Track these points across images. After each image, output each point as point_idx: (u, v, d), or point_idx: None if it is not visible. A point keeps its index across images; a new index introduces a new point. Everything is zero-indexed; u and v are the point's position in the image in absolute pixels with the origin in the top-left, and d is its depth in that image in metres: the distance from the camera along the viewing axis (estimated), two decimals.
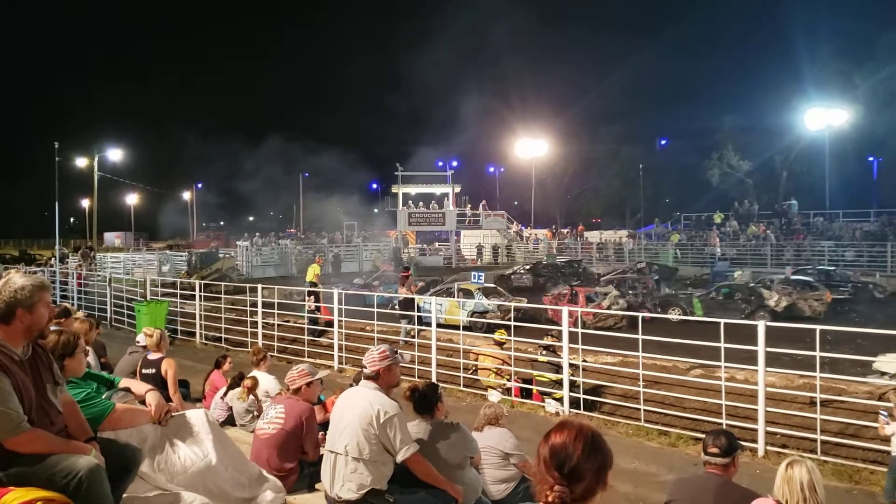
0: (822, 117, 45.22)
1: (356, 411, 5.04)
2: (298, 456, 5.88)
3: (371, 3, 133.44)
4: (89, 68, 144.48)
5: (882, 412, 8.50)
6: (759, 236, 38.28)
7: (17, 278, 3.55)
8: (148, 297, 20.12)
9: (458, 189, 47.76)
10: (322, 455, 5.48)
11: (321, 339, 16.99)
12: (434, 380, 13.05)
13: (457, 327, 16.07)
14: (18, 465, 3.32)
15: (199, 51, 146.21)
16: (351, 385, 6.76)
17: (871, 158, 53.88)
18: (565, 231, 52.66)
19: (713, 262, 34.22)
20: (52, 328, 4.32)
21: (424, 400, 5.54)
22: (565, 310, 12.14)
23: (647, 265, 30.99)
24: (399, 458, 4.99)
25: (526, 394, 12.69)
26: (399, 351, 5.70)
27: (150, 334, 9.21)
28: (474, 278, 22.82)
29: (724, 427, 8.90)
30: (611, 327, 18.17)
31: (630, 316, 18.57)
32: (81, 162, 50.06)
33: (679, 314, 20.54)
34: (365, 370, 5.32)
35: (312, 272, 19.48)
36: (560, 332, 11.95)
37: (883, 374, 11.70)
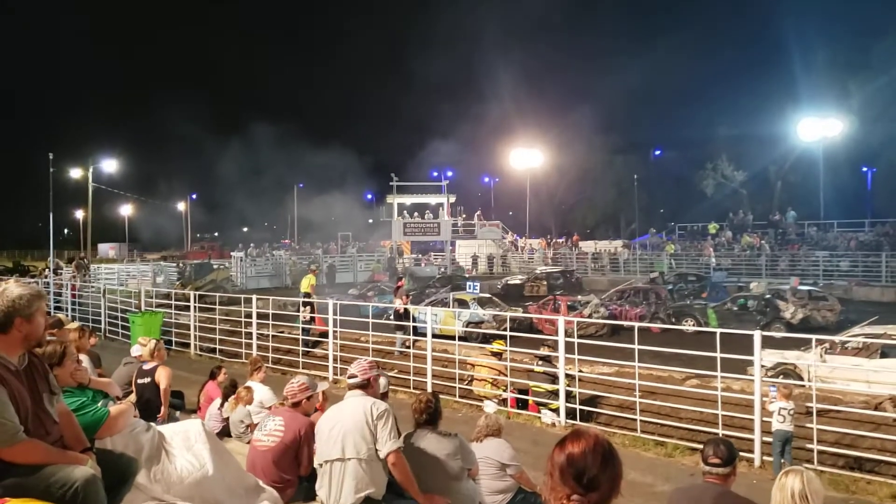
0: (816, 127, 45.26)
1: (349, 414, 5.12)
2: (296, 469, 5.86)
3: (368, 16, 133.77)
4: (84, 79, 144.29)
5: (772, 388, 9.22)
6: (753, 247, 38.32)
7: (14, 288, 3.53)
8: (142, 309, 20.08)
9: (453, 199, 47.77)
10: (315, 468, 5.47)
11: (316, 350, 16.96)
12: (429, 390, 13.05)
13: (452, 338, 16.05)
14: (14, 475, 3.30)
15: (194, 61, 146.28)
16: None
17: (865, 169, 54.07)
18: (560, 241, 52.67)
19: (708, 272, 34.23)
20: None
21: (431, 411, 5.58)
22: (561, 319, 12.15)
23: (686, 275, 30.46)
24: (383, 452, 5.01)
25: (522, 404, 12.67)
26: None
27: (145, 343, 9.20)
28: (469, 288, 22.82)
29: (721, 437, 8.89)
30: (592, 335, 18.23)
31: (611, 324, 18.86)
32: (76, 173, 50.01)
33: (693, 325, 20.47)
34: (354, 379, 5.39)
35: (308, 282, 19.40)
36: (555, 342, 11.95)
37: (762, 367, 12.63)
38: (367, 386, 5.39)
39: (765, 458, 9.44)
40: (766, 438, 9.48)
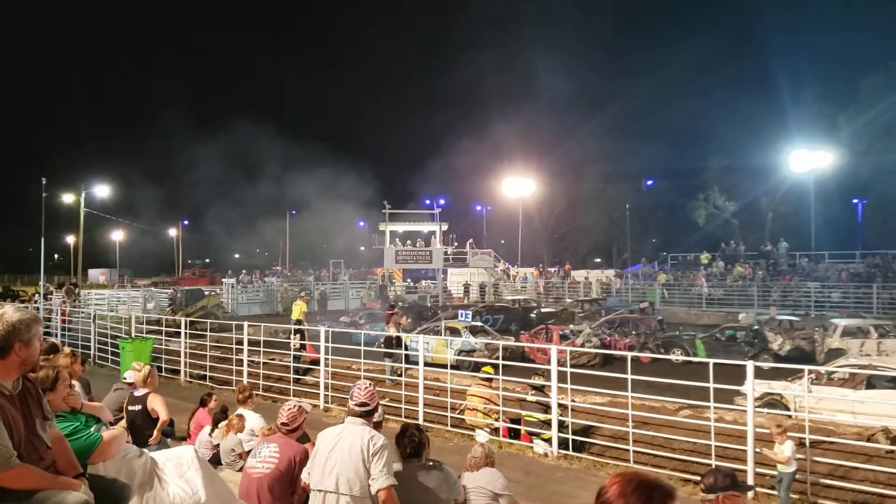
0: (807, 159, 45.73)
1: (347, 447, 5.03)
2: (290, 496, 5.80)
3: (362, 45, 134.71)
4: (76, 104, 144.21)
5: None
6: (745, 277, 38.48)
7: (13, 312, 3.51)
8: (133, 335, 19.95)
9: (445, 227, 47.83)
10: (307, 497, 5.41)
11: (306, 378, 16.88)
12: (421, 420, 12.99)
13: (444, 366, 15.99)
14: (6, 501, 3.26)
15: (186, 88, 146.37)
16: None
17: (855, 200, 54.49)
18: (553, 270, 52.71)
19: (699, 301, 34.32)
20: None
21: (415, 444, 5.52)
22: (554, 349, 12.13)
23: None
24: (374, 488, 4.92)
25: (514, 434, 12.61)
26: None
27: (139, 368, 9.12)
28: (462, 317, 22.80)
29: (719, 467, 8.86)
30: (584, 365, 18.23)
31: (603, 354, 18.92)
32: (68, 198, 49.94)
33: (681, 355, 20.50)
34: (358, 407, 5.28)
35: (299, 310, 19.31)
36: (548, 371, 11.92)
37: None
38: (372, 413, 5.32)
39: (758, 489, 9.40)
40: (759, 469, 9.45)
